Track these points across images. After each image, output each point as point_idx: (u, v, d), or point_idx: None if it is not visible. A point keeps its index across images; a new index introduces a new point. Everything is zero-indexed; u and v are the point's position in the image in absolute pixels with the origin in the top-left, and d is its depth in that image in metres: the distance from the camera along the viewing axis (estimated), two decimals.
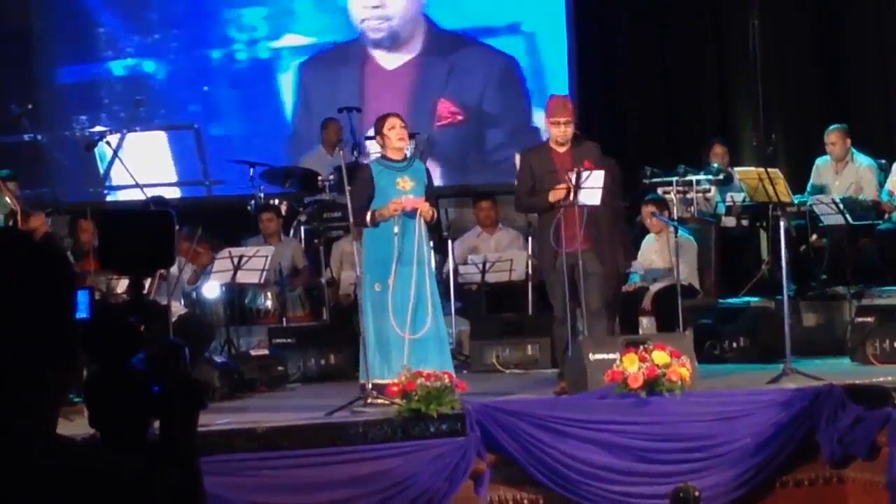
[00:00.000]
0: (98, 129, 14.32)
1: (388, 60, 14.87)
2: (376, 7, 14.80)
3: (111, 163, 14.07)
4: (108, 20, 14.88)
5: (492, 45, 14.90)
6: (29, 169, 13.87)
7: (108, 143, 12.21)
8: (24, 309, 1.96)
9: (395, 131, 8.97)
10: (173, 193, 14.46)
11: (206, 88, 14.94)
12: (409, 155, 9.34)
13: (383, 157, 9.09)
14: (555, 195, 8.95)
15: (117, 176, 13.99)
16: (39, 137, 14.52)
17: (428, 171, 9.36)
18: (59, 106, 14.83)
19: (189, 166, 14.88)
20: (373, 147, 11.10)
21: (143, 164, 13.91)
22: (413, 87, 14.79)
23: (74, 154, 13.35)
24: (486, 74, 14.87)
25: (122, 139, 14.41)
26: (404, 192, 8.90)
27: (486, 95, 14.85)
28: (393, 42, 14.85)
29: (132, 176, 10.63)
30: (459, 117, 14.79)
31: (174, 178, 14.85)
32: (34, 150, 14.50)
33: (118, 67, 14.87)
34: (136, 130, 14.65)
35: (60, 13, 14.87)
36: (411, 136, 9.94)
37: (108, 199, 14.45)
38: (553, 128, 9.18)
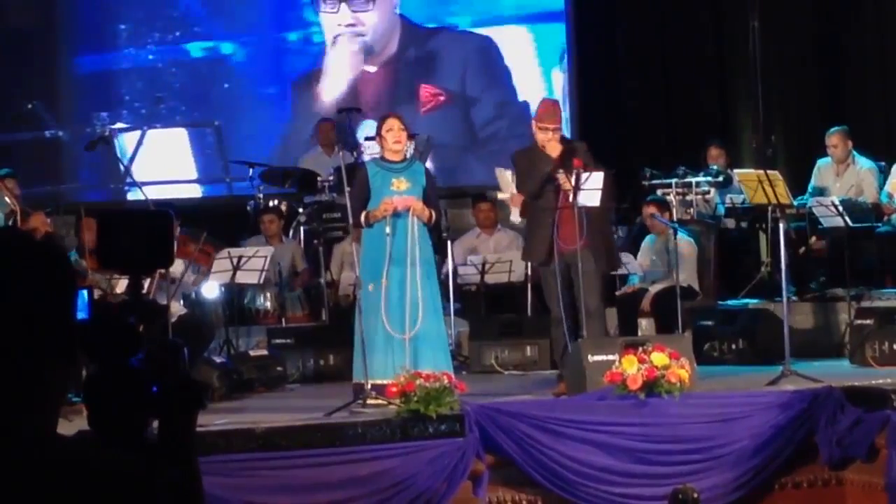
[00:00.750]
0: (119, 125, 14.36)
1: (368, 65, 14.93)
2: (350, 25, 14.80)
3: (131, 160, 14.11)
4: (132, 14, 14.90)
5: (466, 29, 14.93)
6: (48, 165, 13.91)
7: (105, 141, 12.18)
8: (23, 309, 1.96)
9: (392, 133, 8.92)
10: (194, 190, 14.52)
11: (226, 86, 14.96)
12: (409, 156, 9.32)
13: (381, 157, 9.07)
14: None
15: (138, 173, 14.00)
16: (60, 134, 14.53)
17: (428, 171, 9.32)
18: (79, 101, 14.85)
19: (212, 163, 14.93)
20: (370, 148, 11.09)
21: (164, 161, 14.02)
22: (394, 84, 14.84)
23: (95, 150, 13.40)
24: (464, 57, 14.89)
25: (142, 136, 14.45)
26: (398, 192, 8.87)
27: (468, 76, 14.88)
28: (368, 55, 14.89)
29: (128, 173, 10.64)
30: (441, 98, 14.78)
31: (195, 175, 14.87)
32: (55, 147, 14.54)
33: (147, 59, 14.93)
34: (156, 127, 14.68)
35: (84, 5, 14.87)
36: (412, 136, 9.91)
37: (129, 195, 14.41)
38: (541, 133, 9.09)
